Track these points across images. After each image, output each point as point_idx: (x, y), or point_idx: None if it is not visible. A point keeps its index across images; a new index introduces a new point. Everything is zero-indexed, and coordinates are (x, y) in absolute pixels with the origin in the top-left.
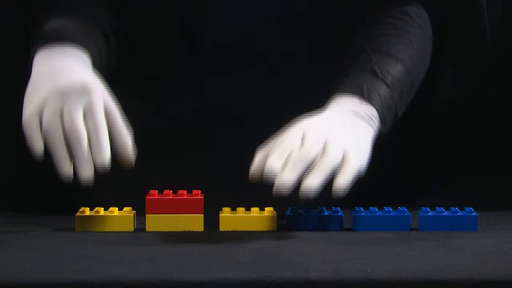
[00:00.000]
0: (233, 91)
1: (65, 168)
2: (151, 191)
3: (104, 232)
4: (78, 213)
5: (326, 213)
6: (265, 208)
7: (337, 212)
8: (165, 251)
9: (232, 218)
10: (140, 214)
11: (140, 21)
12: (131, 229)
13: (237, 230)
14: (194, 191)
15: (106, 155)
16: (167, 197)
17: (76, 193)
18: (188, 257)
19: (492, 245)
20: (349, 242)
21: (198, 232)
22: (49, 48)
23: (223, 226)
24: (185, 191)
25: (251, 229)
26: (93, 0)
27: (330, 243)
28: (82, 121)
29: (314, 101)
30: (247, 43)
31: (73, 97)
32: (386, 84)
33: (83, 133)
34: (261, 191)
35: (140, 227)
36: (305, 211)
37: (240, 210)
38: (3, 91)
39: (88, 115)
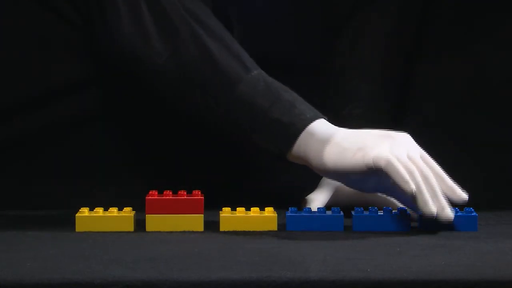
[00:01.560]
0: None
1: (433, 208)
2: (151, 191)
3: (104, 232)
4: (78, 213)
5: (326, 213)
6: (265, 208)
7: (337, 212)
8: (165, 251)
9: (232, 218)
10: (140, 214)
11: None
12: (131, 229)
13: (237, 230)
14: (194, 191)
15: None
16: (167, 197)
17: (76, 193)
18: (188, 257)
19: (492, 245)
20: (349, 242)
21: (198, 232)
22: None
23: (223, 226)
24: (185, 191)
25: (251, 229)
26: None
27: (330, 243)
28: None
29: (319, 101)
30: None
31: (407, 144)
32: None
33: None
34: (261, 191)
35: (140, 227)
36: (306, 211)
37: (240, 210)
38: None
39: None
